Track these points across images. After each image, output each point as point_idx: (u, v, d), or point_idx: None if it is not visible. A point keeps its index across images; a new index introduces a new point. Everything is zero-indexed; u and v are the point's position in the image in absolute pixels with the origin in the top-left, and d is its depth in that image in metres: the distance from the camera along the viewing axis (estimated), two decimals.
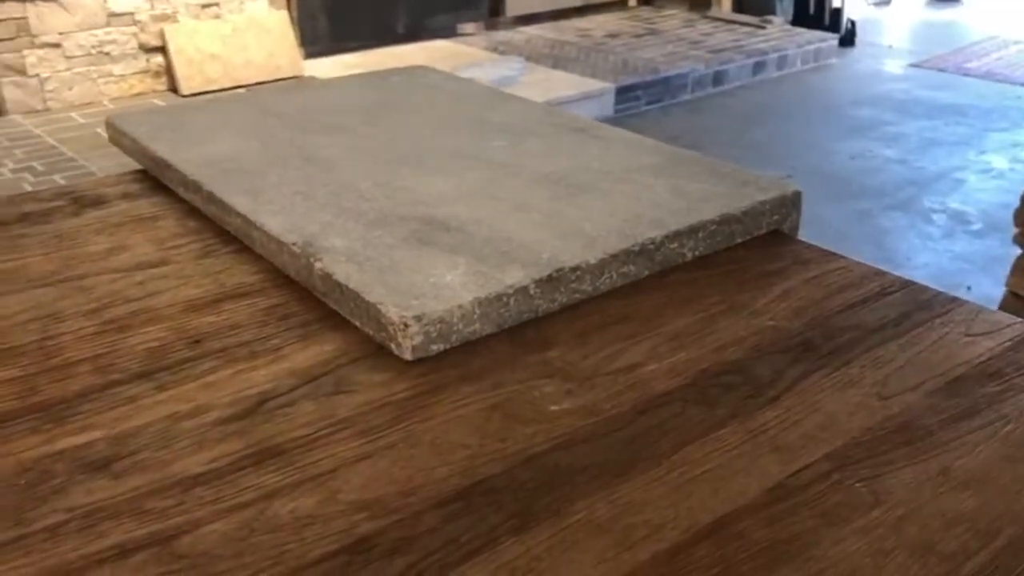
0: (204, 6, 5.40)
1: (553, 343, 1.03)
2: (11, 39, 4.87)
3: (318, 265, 1.09)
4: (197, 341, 1.02)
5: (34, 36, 4.93)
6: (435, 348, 1.00)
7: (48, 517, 0.77)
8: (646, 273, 1.17)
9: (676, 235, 1.19)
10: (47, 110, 5.02)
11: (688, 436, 0.88)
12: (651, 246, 1.16)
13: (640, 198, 1.27)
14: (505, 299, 1.05)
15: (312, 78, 5.51)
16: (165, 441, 0.86)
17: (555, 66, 6.07)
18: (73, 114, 4.99)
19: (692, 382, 0.96)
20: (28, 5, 4.86)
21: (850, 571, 0.72)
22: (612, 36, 6.76)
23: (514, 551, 0.74)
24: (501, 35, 6.72)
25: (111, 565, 0.72)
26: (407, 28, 6.46)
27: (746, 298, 1.13)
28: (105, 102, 5.17)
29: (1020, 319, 1.08)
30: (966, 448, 0.86)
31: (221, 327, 1.05)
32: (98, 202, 1.36)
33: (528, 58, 6.15)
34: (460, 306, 1.01)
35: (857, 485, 0.82)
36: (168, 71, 5.34)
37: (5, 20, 4.82)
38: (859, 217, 4.39)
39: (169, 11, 5.30)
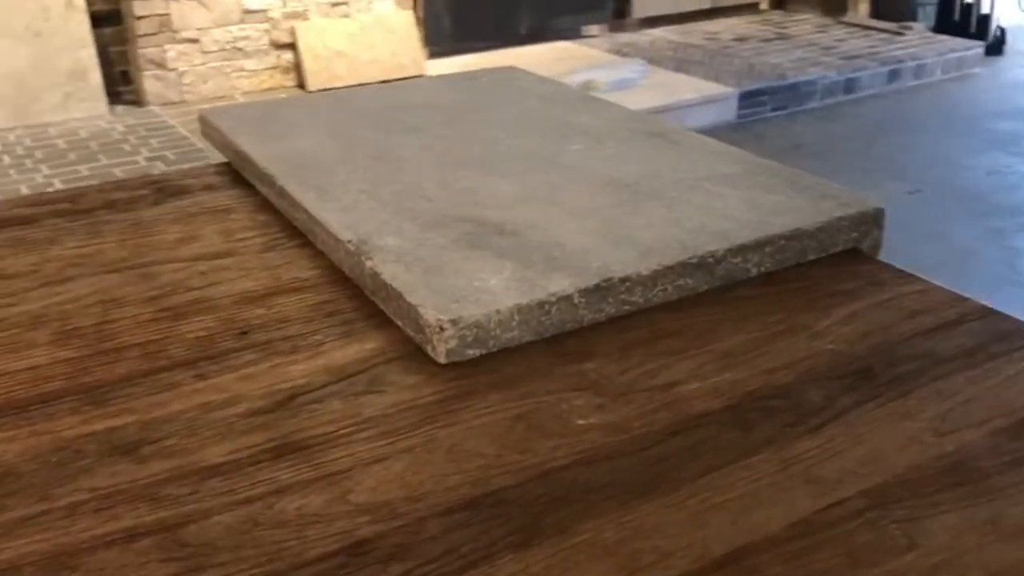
0: (334, 4, 5.56)
1: (593, 354, 1.00)
2: (154, 34, 5.12)
3: (368, 264, 1.09)
4: (244, 332, 1.04)
5: (175, 32, 5.17)
6: (471, 353, 0.99)
7: (71, 496, 0.80)
8: (705, 287, 1.13)
9: (740, 249, 1.14)
10: (183, 102, 5.25)
11: (718, 461, 0.84)
12: (711, 259, 1.12)
13: (708, 208, 1.22)
14: (547, 307, 1.02)
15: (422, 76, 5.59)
16: (193, 429, 0.88)
17: (678, 69, 5.97)
18: (207, 107, 5.21)
19: (734, 404, 0.92)
20: (171, 2, 5.10)
21: None
22: (740, 40, 6.60)
23: (511, 568, 0.72)
24: (625, 37, 6.65)
25: (118, 548, 0.74)
26: (530, 30, 6.48)
27: (809, 319, 1.07)
28: (237, 96, 5.38)
29: None
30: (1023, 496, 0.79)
31: (269, 320, 1.07)
32: (180, 192, 1.41)
33: (651, 61, 6.07)
34: (498, 311, 1.00)
35: (892, 526, 0.76)
36: (297, 67, 5.51)
37: (149, 16, 5.07)
38: (990, 236, 4.14)
39: (300, 9, 5.47)
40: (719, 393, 0.93)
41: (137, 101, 5.25)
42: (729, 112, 5.55)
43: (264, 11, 5.39)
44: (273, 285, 1.14)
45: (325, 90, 5.32)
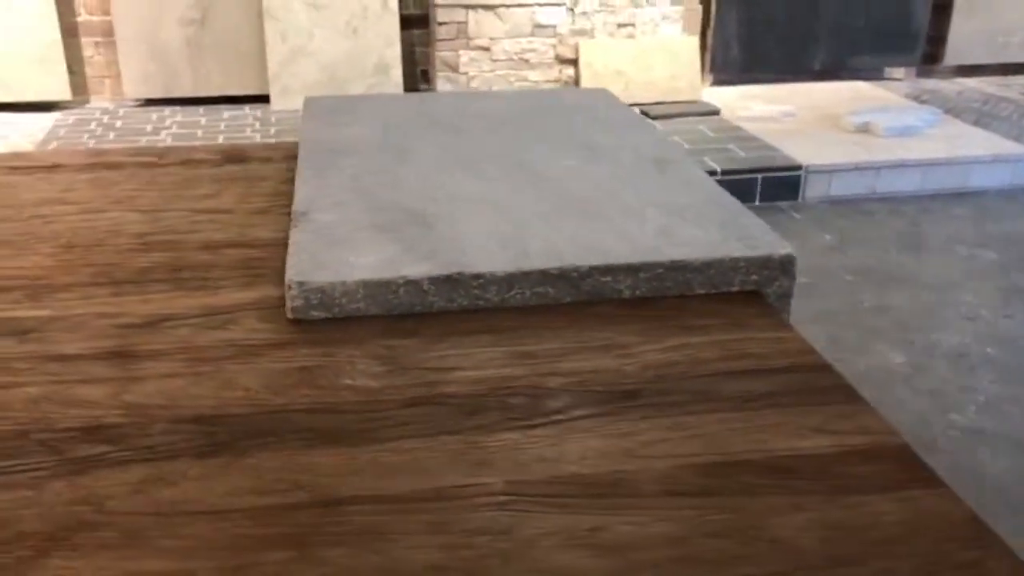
0: (620, 25, 5.77)
1: (414, 334, 1.13)
2: (451, 39, 5.64)
3: (292, 230, 1.29)
4: (176, 270, 1.28)
5: (470, 39, 5.66)
6: (315, 314, 1.16)
7: None
8: (568, 299, 1.20)
9: (609, 269, 1.20)
10: None
11: (414, 432, 0.94)
12: (574, 273, 1.19)
13: (618, 228, 1.28)
14: (395, 288, 1.16)
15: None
16: (74, 328, 1.13)
17: (977, 123, 5.51)
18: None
19: (481, 392, 1.01)
20: (470, 12, 5.60)
21: None
22: None
23: (182, 468, 0.89)
24: (932, 83, 6.23)
25: None
26: (825, 65, 6.27)
27: (629, 340, 1.11)
28: None
29: None
30: None
31: (204, 264, 1.30)
32: (240, 160, 1.69)
33: (949, 111, 5.66)
34: (344, 283, 1.15)
35: (503, 512, 0.83)
36: (575, 82, 5.80)
37: (449, 23, 5.60)
38: None
39: (588, 27, 5.75)
40: (477, 381, 1.03)
41: None
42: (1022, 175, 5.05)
43: (553, 27, 5.73)
44: (235, 240, 1.38)
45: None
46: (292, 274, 1.16)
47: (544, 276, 1.19)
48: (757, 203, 4.69)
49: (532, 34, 5.72)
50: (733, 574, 0.76)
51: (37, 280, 1.25)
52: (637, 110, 5.70)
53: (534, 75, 5.80)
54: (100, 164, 1.65)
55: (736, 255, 1.22)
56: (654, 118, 5.47)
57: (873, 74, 6.33)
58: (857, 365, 3.38)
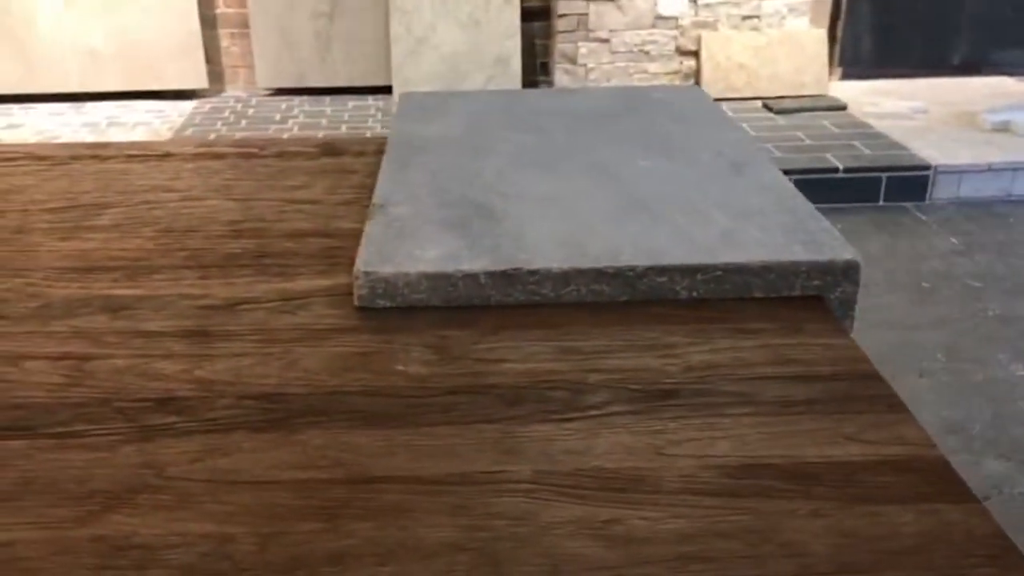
0: (745, 18, 5.67)
1: (470, 325, 1.18)
2: (571, 31, 5.67)
3: (368, 222, 1.36)
4: (260, 256, 1.37)
5: (589, 31, 5.67)
6: (381, 303, 1.22)
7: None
8: (625, 298, 1.22)
9: (665, 270, 1.21)
10: None
11: (458, 418, 0.99)
12: (630, 273, 1.21)
13: (681, 230, 1.29)
14: (454, 281, 1.21)
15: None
16: (158, 308, 1.22)
17: None
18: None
19: (522, 385, 1.05)
20: (591, 3, 5.61)
21: None
22: None
23: (237, 441, 0.96)
24: None
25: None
26: (965, 60, 5.99)
27: (676, 340, 1.13)
28: None
29: None
30: None
31: (289, 252, 1.38)
32: (335, 153, 1.77)
33: None
34: (407, 275, 1.21)
35: (523, 498, 0.87)
36: (696, 75, 5.73)
37: (569, 15, 5.63)
38: None
39: (711, 19, 5.67)
40: (521, 374, 1.07)
41: None
42: None
43: (675, 18, 5.67)
44: (319, 229, 1.46)
45: (719, 100, 5.48)
46: (360, 264, 1.22)
47: (599, 274, 1.21)
48: (881, 203, 4.55)
49: (653, 26, 5.69)
50: (730, 574, 0.78)
51: (136, 262, 1.35)
52: (759, 104, 5.60)
53: (653, 67, 5.77)
54: (206, 154, 1.77)
55: (797, 259, 1.21)
56: (776, 112, 5.36)
57: (1019, 70, 6.00)
58: (974, 376, 3.25)
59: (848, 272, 1.21)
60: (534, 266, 1.21)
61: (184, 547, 0.82)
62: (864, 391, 1.02)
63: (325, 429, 0.98)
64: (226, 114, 5.28)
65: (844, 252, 1.22)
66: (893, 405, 0.99)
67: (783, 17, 5.69)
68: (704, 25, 5.68)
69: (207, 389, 1.05)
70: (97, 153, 1.77)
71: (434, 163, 1.57)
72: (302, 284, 1.29)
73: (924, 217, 4.47)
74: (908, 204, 4.57)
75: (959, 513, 0.84)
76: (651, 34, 5.70)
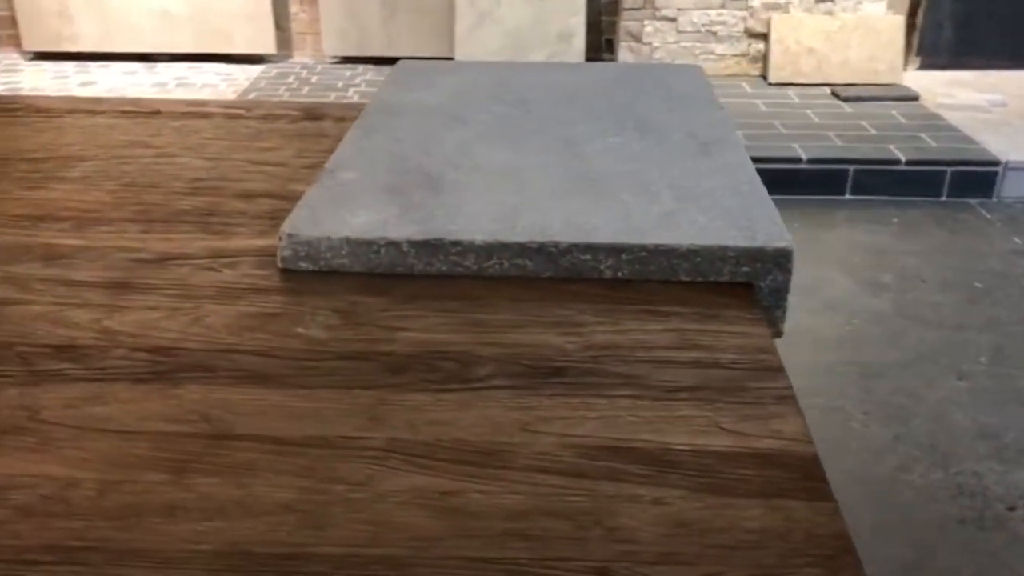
0: (819, 0, 5.49)
1: (385, 293, 1.17)
2: (637, 9, 5.57)
3: (312, 185, 1.36)
4: (208, 214, 1.38)
5: (656, 9, 5.56)
6: (303, 265, 1.22)
7: None
8: (549, 274, 1.20)
9: (590, 247, 1.19)
10: None
11: (336, 382, 0.99)
12: (552, 249, 1.19)
13: (621, 208, 1.26)
14: (376, 247, 1.21)
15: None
16: (94, 259, 1.25)
17: None
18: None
19: (416, 353, 1.04)
20: None
21: None
22: None
23: (117, 391, 0.98)
24: None
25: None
26: None
27: (585, 319, 1.11)
28: None
29: None
30: None
31: (238, 211, 1.40)
32: (316, 118, 1.78)
33: None
34: (329, 238, 1.21)
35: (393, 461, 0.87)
36: (764, 58, 5.58)
37: None
38: None
39: (783, 1, 5.50)
40: (417, 343, 1.06)
41: None
42: None
43: None
44: (273, 191, 1.47)
45: (785, 85, 5.32)
46: (286, 226, 1.23)
47: (523, 249, 1.19)
48: (944, 198, 4.37)
49: (723, 6, 5.55)
50: (548, 555, 0.76)
51: (87, 213, 1.39)
52: (828, 90, 5.42)
53: (720, 48, 5.64)
54: (194, 113, 1.80)
55: (726, 243, 1.17)
56: (844, 100, 5.19)
57: None
58: (1017, 382, 3.10)
59: (779, 260, 1.17)
60: (458, 237, 1.20)
61: (29, 488, 0.84)
62: (756, 383, 0.99)
63: (204, 385, 0.99)
64: (290, 79, 5.36)
65: (778, 239, 1.18)
66: (782, 399, 0.96)
67: (859, 2, 5.49)
68: (776, 7, 5.52)
69: (108, 340, 1.07)
70: (92, 108, 1.81)
71: (402, 131, 1.56)
72: (236, 243, 1.30)
73: (988, 215, 4.27)
74: (973, 200, 4.38)
75: (808, 511, 0.80)
76: (720, 14, 5.56)
